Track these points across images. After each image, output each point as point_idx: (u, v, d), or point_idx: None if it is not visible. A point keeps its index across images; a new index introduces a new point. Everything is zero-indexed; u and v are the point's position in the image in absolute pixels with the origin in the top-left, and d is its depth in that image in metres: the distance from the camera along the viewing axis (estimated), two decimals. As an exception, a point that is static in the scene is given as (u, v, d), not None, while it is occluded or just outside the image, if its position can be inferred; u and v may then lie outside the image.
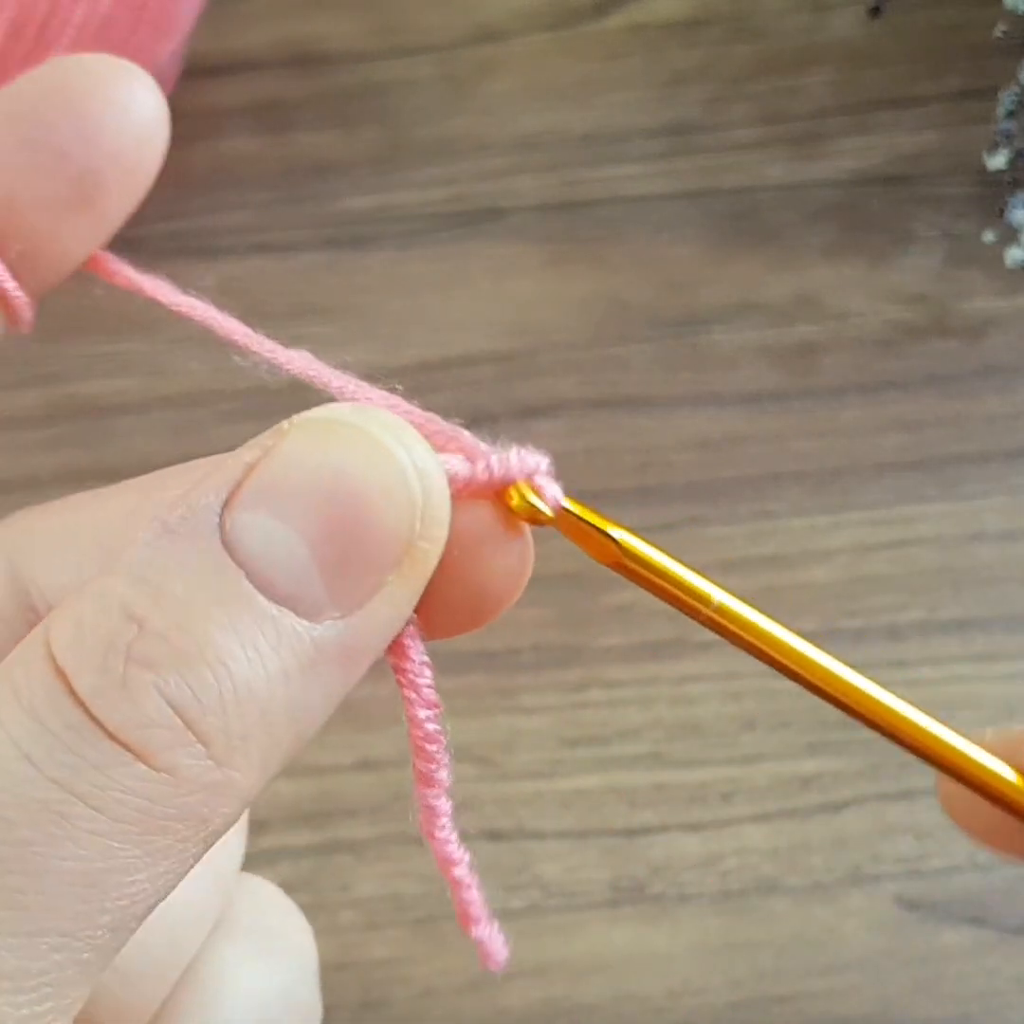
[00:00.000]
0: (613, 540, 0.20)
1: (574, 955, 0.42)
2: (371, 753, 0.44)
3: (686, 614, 0.21)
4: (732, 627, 0.21)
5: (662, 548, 0.20)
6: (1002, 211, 0.49)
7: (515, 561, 0.20)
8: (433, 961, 0.43)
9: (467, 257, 0.51)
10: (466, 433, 0.20)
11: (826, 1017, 0.42)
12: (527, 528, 0.20)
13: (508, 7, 0.55)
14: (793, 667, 0.21)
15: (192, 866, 0.17)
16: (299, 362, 0.21)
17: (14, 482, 0.49)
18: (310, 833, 0.44)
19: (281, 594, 0.17)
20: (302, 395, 0.55)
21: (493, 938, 0.21)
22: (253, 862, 0.45)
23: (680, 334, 0.50)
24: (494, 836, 0.44)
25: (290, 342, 0.54)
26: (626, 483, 0.47)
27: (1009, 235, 0.49)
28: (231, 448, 0.18)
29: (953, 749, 0.22)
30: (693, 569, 0.20)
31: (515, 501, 0.20)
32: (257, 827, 0.44)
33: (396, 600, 0.18)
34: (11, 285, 0.20)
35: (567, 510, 0.20)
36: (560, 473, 0.20)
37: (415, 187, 0.52)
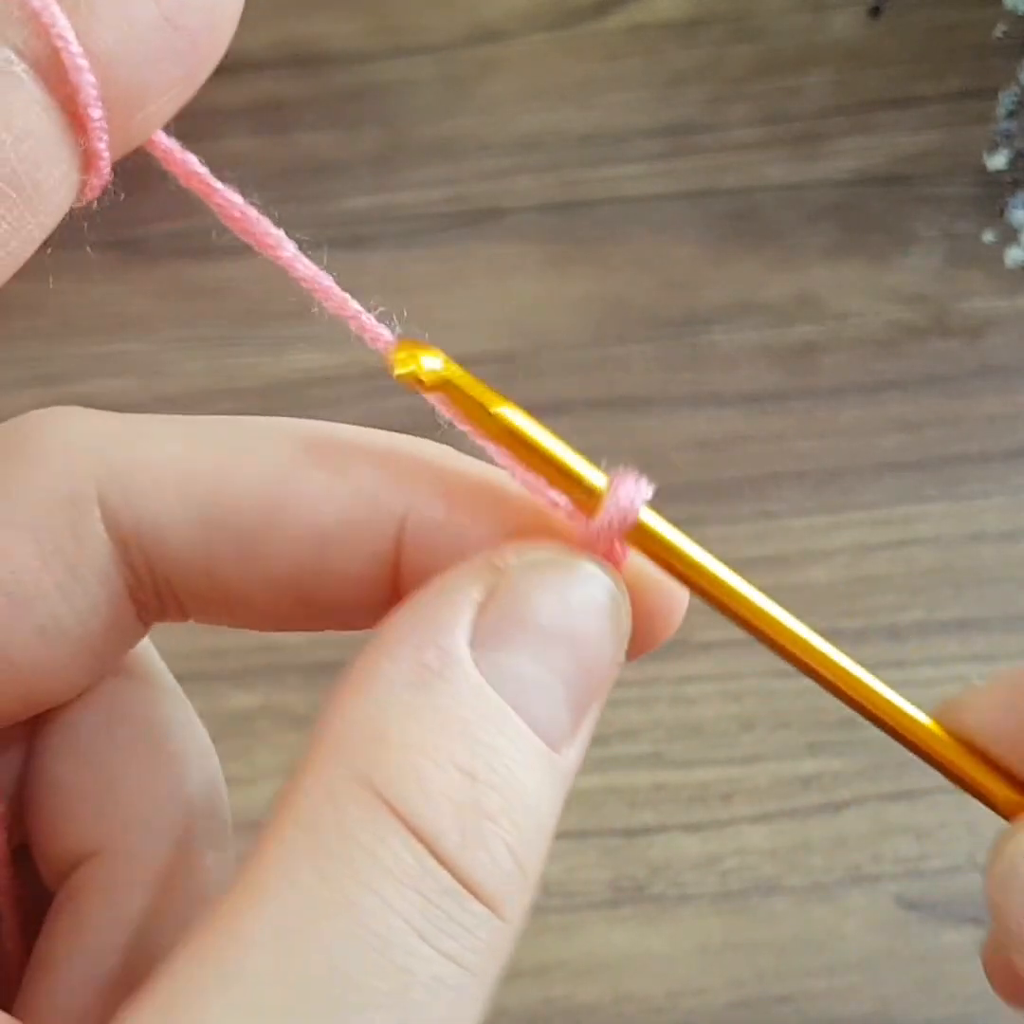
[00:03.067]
0: (492, 415, 0.20)
1: (574, 955, 0.42)
2: (371, 753, 0.44)
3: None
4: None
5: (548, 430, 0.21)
6: (1002, 211, 0.49)
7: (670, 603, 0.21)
8: (433, 961, 0.43)
9: (467, 257, 0.51)
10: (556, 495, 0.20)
11: (826, 1017, 0.42)
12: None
13: (508, 7, 0.55)
14: (682, 567, 0.21)
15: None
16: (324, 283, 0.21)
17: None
18: (310, 833, 0.44)
19: (542, 732, 0.18)
20: (302, 395, 0.55)
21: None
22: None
23: (680, 334, 0.50)
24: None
25: (290, 342, 0.54)
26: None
27: (1009, 235, 0.49)
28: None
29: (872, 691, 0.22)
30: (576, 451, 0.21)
31: (399, 368, 0.20)
32: (257, 827, 0.44)
33: (595, 717, 0.19)
34: (103, 144, 0.19)
35: (448, 381, 0.21)
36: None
37: (415, 187, 0.52)
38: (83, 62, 0.17)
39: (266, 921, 0.16)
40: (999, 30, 0.49)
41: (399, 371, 0.20)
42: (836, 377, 0.49)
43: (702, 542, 0.21)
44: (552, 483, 0.20)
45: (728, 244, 0.51)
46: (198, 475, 0.20)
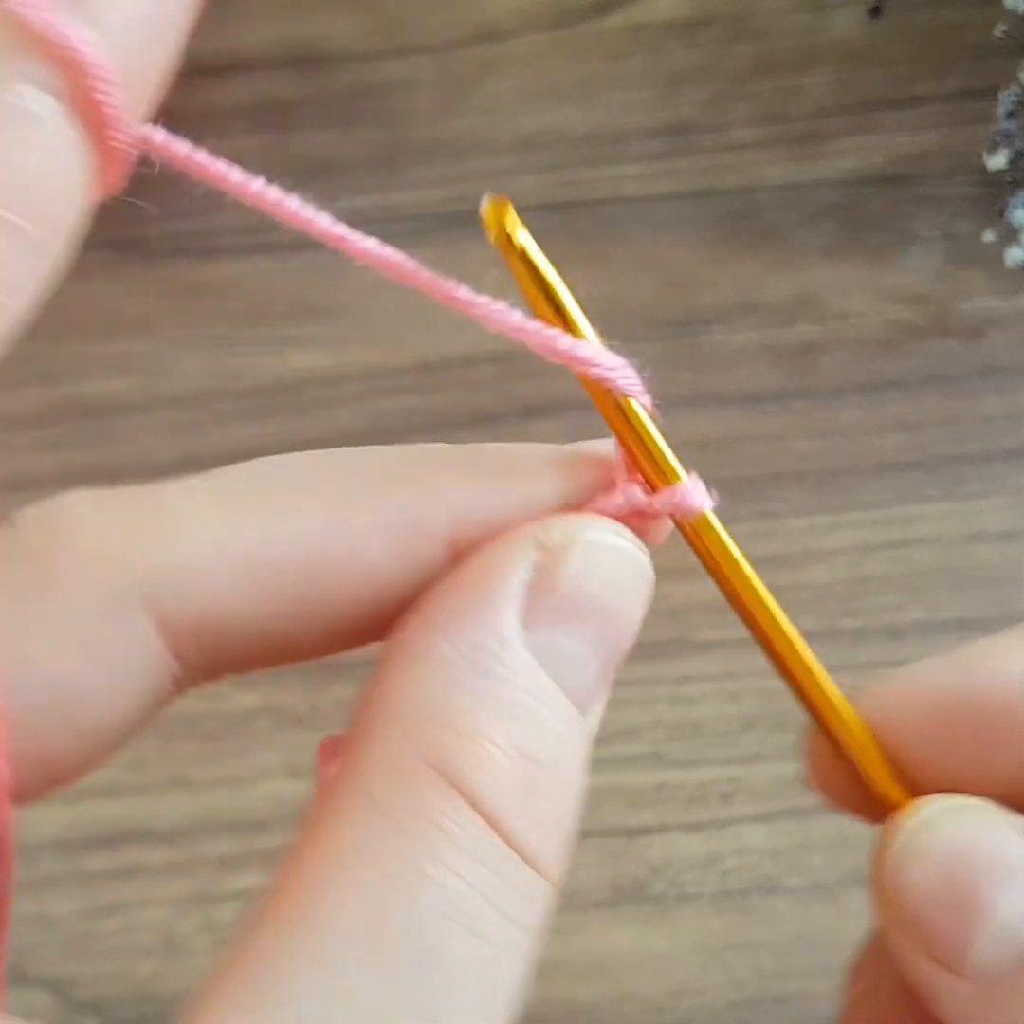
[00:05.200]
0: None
1: (574, 955, 0.42)
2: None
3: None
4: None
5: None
6: (1002, 211, 0.49)
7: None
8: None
9: (467, 257, 0.51)
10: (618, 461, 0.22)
11: (826, 1017, 0.41)
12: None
13: (508, 7, 0.55)
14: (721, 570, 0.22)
15: None
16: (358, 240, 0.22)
17: (14, 482, 0.49)
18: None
19: (575, 700, 0.20)
20: (302, 395, 0.55)
21: None
22: (253, 862, 0.45)
23: (680, 334, 0.50)
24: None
25: (290, 342, 0.54)
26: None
27: (1009, 235, 0.49)
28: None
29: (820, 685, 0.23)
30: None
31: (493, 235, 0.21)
32: (257, 827, 0.44)
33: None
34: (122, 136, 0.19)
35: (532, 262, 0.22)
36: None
37: (415, 187, 0.52)
38: (108, 85, 0.17)
39: (350, 895, 0.17)
40: (999, 30, 0.49)
41: (492, 229, 0.21)
42: (836, 377, 0.49)
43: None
44: (625, 444, 0.22)
45: (728, 244, 0.51)
46: (240, 548, 0.20)
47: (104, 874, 0.44)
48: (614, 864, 0.43)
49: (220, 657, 0.21)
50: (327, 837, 0.18)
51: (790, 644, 0.23)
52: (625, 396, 0.22)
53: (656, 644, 0.45)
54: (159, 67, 0.19)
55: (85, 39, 0.17)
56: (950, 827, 0.22)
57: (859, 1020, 0.27)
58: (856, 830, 0.46)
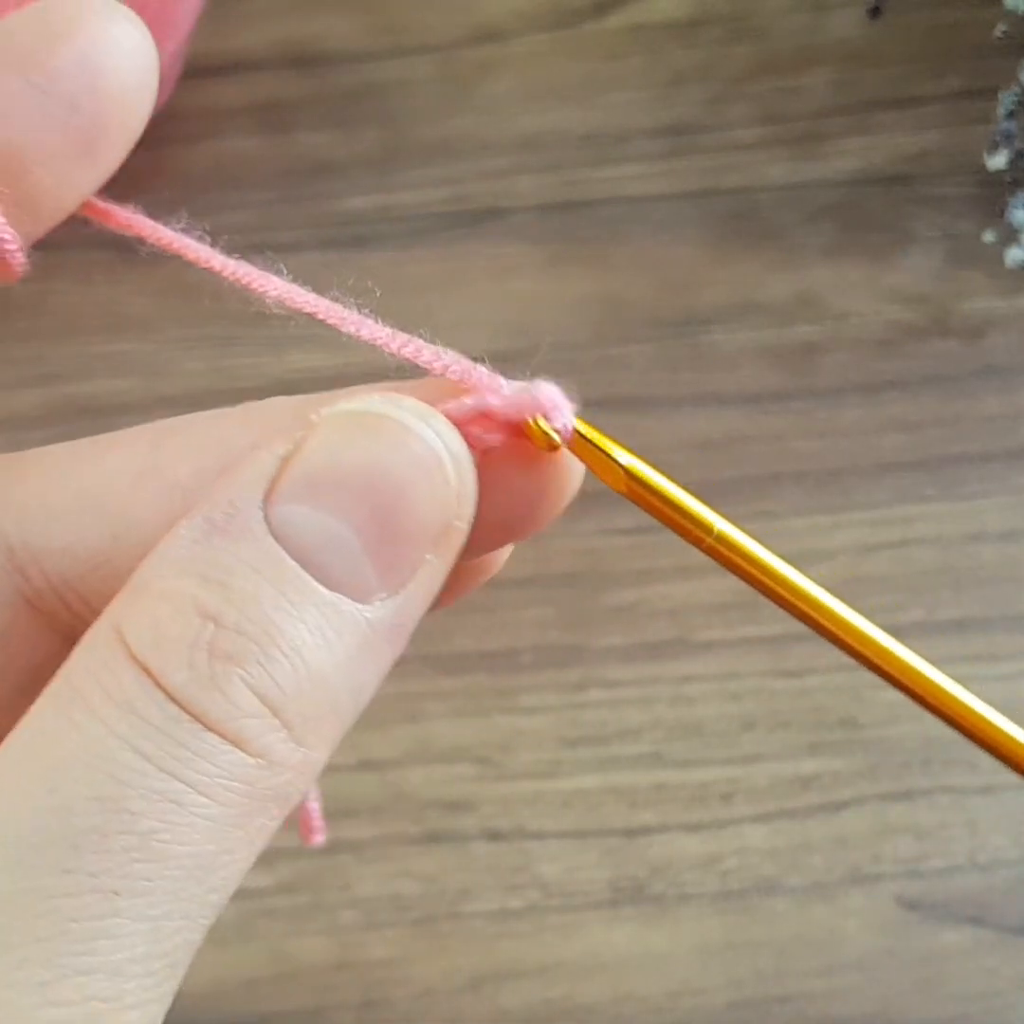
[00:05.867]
0: (621, 466, 0.21)
1: (574, 955, 0.42)
2: (371, 753, 0.44)
3: (689, 542, 0.21)
4: (732, 556, 0.22)
5: (669, 476, 0.21)
6: (1002, 211, 0.49)
7: (543, 485, 0.21)
8: (433, 961, 0.43)
9: (467, 257, 0.51)
10: (482, 369, 0.21)
11: (826, 1017, 0.42)
12: (564, 454, 0.21)
13: (508, 7, 0.55)
14: (789, 598, 0.21)
15: (269, 841, 0.19)
16: (284, 289, 0.22)
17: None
18: (310, 833, 0.44)
19: (335, 581, 0.18)
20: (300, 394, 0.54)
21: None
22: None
23: (680, 334, 0.50)
24: (494, 836, 0.44)
25: (290, 342, 0.54)
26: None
27: (1009, 235, 0.49)
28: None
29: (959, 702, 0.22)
30: (698, 498, 0.21)
31: (531, 432, 0.20)
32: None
33: (435, 575, 0.19)
34: (8, 236, 0.19)
35: (580, 434, 0.21)
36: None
37: (415, 187, 0.52)
38: None
39: (6, 760, 0.17)
40: (999, 30, 0.49)
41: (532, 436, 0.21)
42: (836, 377, 0.49)
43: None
44: (673, 527, 0.21)
45: (728, 244, 0.51)
46: (73, 488, 0.21)
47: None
48: (614, 864, 0.43)
49: (68, 588, 0.21)
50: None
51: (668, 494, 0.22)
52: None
53: (656, 644, 0.45)
54: (35, 148, 0.19)
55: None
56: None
57: None
58: (856, 830, 0.46)
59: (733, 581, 0.22)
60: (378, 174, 0.53)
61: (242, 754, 0.17)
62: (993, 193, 0.50)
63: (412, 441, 0.19)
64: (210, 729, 0.17)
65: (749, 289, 0.51)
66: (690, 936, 0.42)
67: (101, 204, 0.21)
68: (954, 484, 0.47)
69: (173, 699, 0.17)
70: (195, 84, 0.53)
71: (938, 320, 0.50)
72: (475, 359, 0.22)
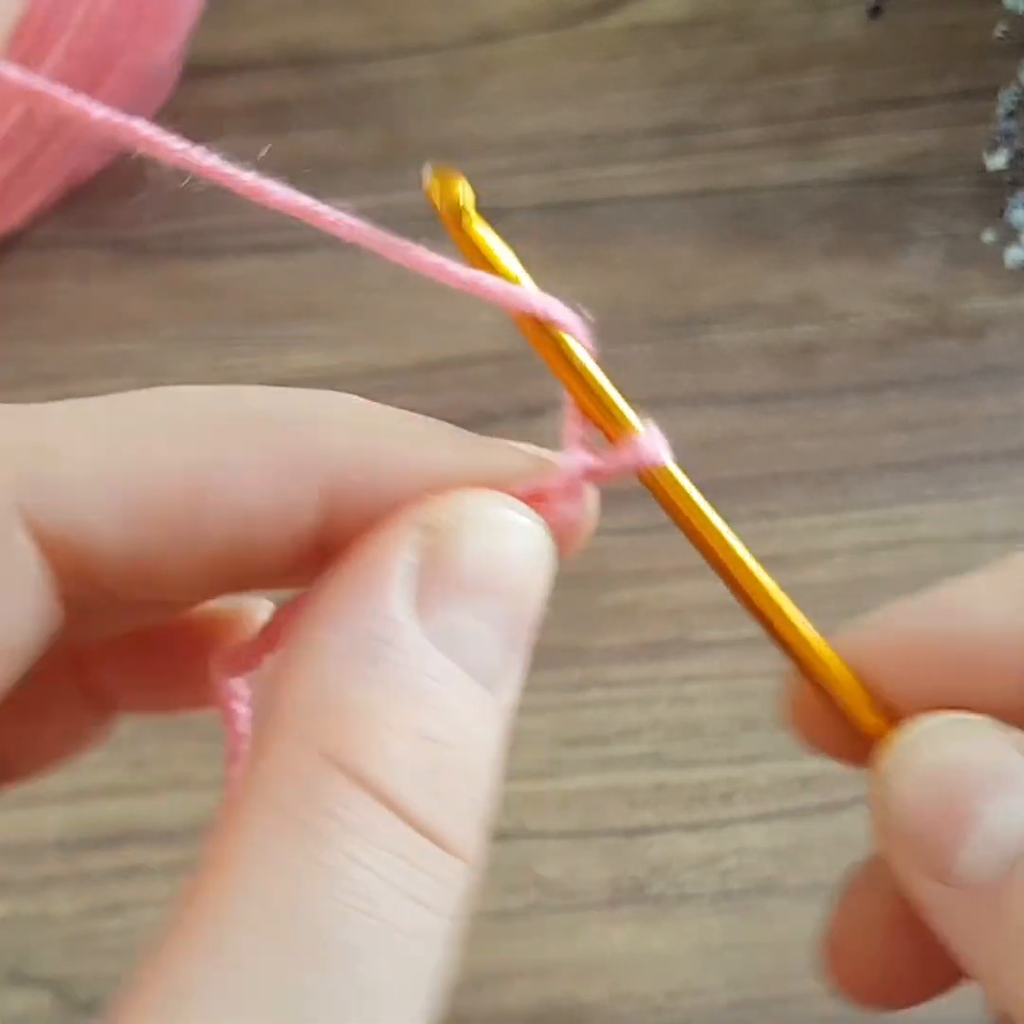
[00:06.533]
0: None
1: (574, 955, 0.42)
2: (371, 753, 0.44)
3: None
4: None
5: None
6: (1002, 211, 0.49)
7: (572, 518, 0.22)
8: (433, 961, 0.43)
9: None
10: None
11: (826, 1017, 0.42)
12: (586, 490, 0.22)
13: (508, 7, 0.55)
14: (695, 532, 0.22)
15: None
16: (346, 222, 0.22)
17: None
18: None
19: (479, 677, 0.19)
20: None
21: None
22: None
23: (680, 334, 0.50)
24: (494, 836, 0.44)
25: (290, 342, 0.54)
26: (626, 483, 0.47)
27: (1009, 235, 0.49)
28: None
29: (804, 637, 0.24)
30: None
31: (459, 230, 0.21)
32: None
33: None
34: None
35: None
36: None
37: (415, 187, 0.52)
38: None
39: (249, 900, 0.17)
40: (999, 30, 0.49)
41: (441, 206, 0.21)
42: (836, 377, 0.49)
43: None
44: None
45: (728, 244, 0.51)
46: (120, 472, 0.20)
47: (104, 874, 0.44)
48: (614, 864, 0.43)
49: (96, 578, 0.20)
50: (229, 840, 0.17)
51: (765, 591, 0.23)
52: (562, 334, 0.21)
53: (656, 644, 0.45)
54: None
55: None
56: (940, 739, 0.22)
57: (849, 934, 0.27)
58: (856, 830, 0.45)
59: (733, 581, 0.22)
60: (378, 174, 0.53)
61: (463, 863, 0.19)
62: (993, 193, 0.50)
63: (530, 542, 0.20)
64: (443, 846, 0.18)
65: (749, 289, 0.51)
66: (690, 936, 0.42)
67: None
68: (954, 484, 0.47)
69: (411, 823, 0.18)
70: (195, 84, 0.53)
71: (938, 320, 0.50)
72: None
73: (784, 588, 0.24)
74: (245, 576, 0.21)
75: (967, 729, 0.22)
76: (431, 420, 0.22)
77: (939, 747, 0.22)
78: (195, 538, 0.20)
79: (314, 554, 0.21)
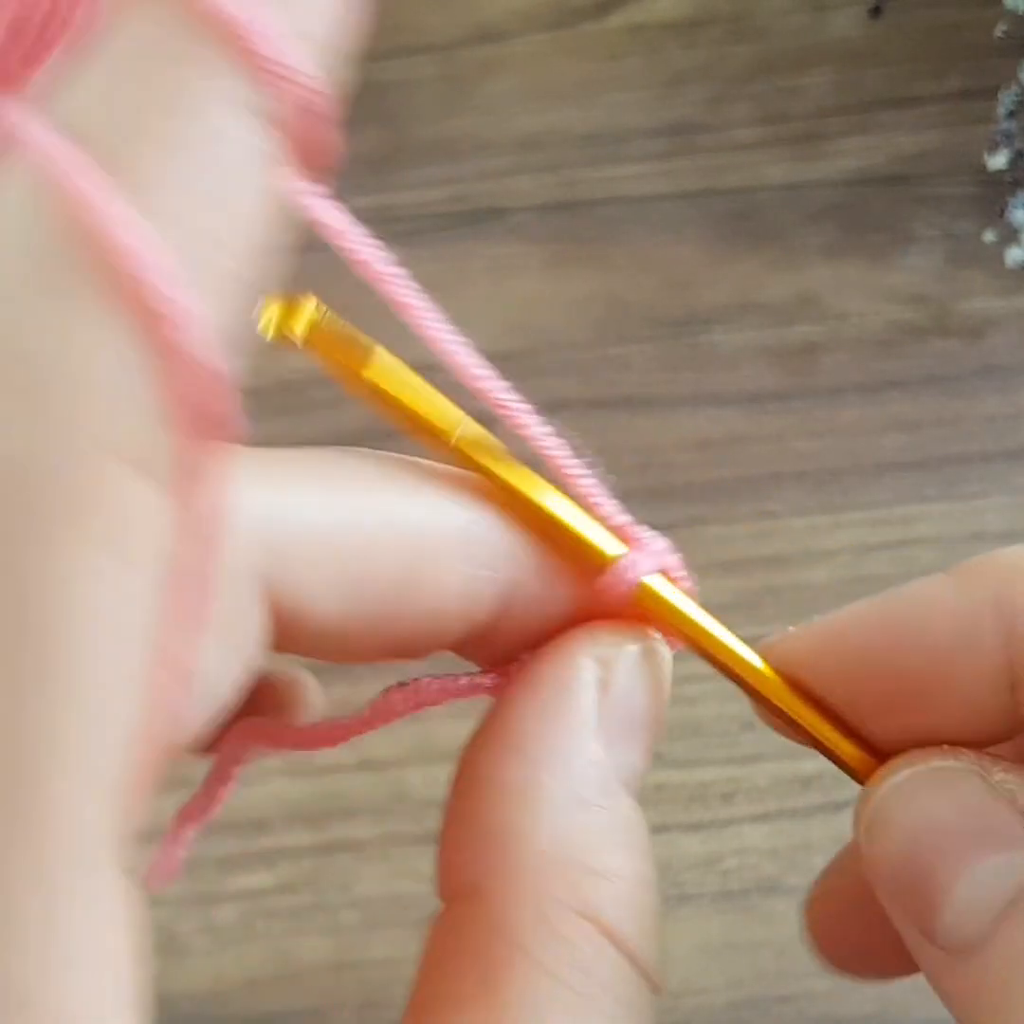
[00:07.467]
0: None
1: (574, 955, 0.42)
2: (371, 753, 0.44)
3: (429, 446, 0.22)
4: (476, 458, 0.23)
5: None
6: (1002, 211, 0.49)
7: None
8: (433, 961, 0.43)
9: (467, 257, 0.51)
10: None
11: (826, 1017, 0.42)
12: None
13: (508, 7, 0.55)
14: (534, 506, 0.22)
15: None
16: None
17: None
18: (310, 833, 0.44)
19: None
20: (302, 395, 0.55)
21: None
22: (253, 862, 0.45)
23: (680, 334, 0.50)
24: (494, 836, 0.44)
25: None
26: (626, 483, 0.47)
27: (1009, 235, 0.49)
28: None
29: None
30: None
31: (267, 326, 0.21)
32: (257, 827, 0.44)
33: None
34: None
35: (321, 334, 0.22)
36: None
37: (415, 187, 0.52)
38: (322, 102, 0.16)
39: None
40: (999, 30, 0.49)
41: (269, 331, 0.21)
42: (836, 377, 0.49)
43: (702, 542, 0.21)
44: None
45: (728, 244, 0.51)
46: (352, 553, 0.20)
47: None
48: (614, 864, 0.43)
49: (297, 646, 0.21)
50: (489, 993, 0.18)
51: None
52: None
53: (656, 644, 0.45)
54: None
55: (295, 52, 0.15)
56: (915, 793, 0.22)
57: (829, 905, 0.27)
58: (856, 830, 0.45)
59: (733, 581, 0.22)
60: (378, 174, 0.53)
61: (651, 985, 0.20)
62: (993, 193, 0.50)
63: (668, 669, 0.23)
64: (657, 995, 0.20)
65: (749, 289, 0.51)
66: (690, 936, 0.42)
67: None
68: (954, 484, 0.47)
69: (647, 981, 0.19)
70: (195, 84, 0.53)
71: (938, 320, 0.50)
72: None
73: (784, 588, 0.24)
74: (411, 648, 0.22)
75: (944, 778, 0.22)
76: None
77: (914, 804, 0.22)
78: (395, 617, 0.21)
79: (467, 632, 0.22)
